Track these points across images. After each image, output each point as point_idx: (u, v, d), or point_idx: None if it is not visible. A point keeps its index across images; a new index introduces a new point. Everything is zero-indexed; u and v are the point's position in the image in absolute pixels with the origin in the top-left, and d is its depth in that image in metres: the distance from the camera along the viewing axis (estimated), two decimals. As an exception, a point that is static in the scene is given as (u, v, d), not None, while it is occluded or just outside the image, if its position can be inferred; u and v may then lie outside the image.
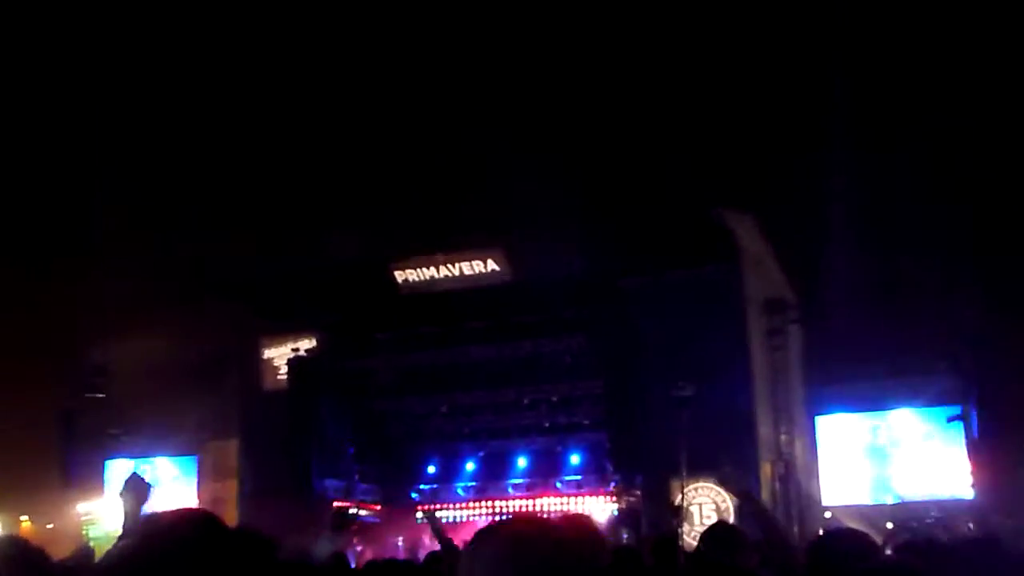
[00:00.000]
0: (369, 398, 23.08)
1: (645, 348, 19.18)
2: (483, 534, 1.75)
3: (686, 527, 16.99)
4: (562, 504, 22.52)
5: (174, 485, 24.47)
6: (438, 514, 11.62)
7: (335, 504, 21.06)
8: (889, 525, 18.20)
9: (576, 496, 22.28)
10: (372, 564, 5.41)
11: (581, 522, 4.08)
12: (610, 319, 19.79)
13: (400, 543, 21.57)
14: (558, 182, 19.95)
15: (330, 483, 22.16)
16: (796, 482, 20.08)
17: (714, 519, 18.29)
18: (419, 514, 22.25)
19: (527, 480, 23.41)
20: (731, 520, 18.06)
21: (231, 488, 23.36)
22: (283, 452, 21.52)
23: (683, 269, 19.20)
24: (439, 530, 7.00)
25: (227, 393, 23.49)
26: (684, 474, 8.60)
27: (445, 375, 22.06)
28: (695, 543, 5.20)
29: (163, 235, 23.57)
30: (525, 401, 22.67)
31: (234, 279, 22.27)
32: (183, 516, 2.04)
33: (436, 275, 21.49)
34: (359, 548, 21.23)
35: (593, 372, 20.64)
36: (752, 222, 19.84)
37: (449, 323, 21.22)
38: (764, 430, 19.44)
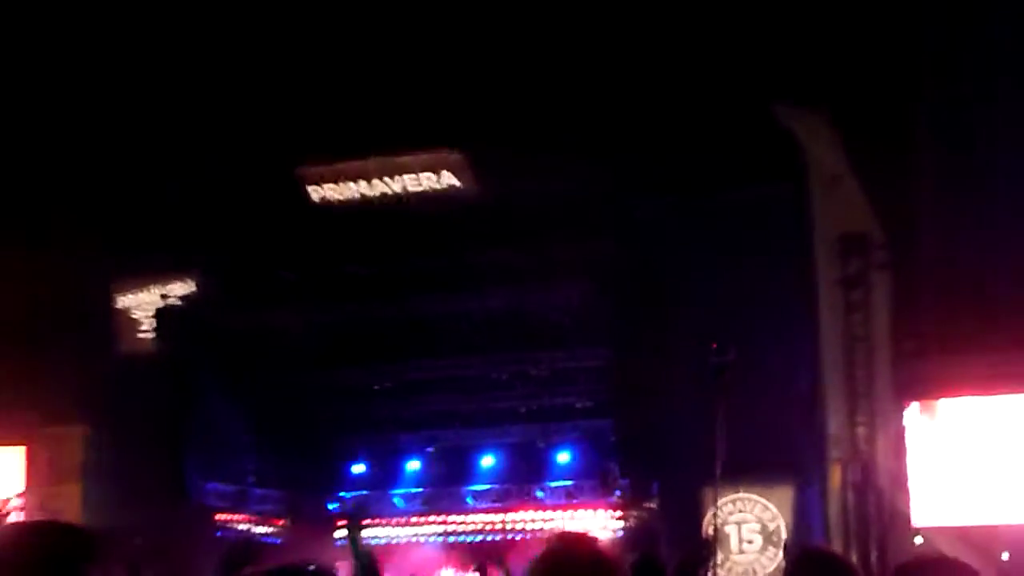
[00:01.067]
0: (271, 368, 23.06)
1: (669, 301, 19.14)
2: None
3: (719, 555, 17.10)
4: (544, 521, 22.67)
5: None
6: (368, 532, 11.54)
7: (232, 537, 21.03)
8: (1005, 556, 18.33)
9: (565, 509, 22.42)
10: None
11: (584, 546, 4.06)
12: (621, 260, 19.73)
13: None
14: (548, 58, 19.53)
15: (214, 488, 22.20)
16: (877, 492, 20.20)
17: (758, 544, 18.40)
18: (339, 531, 22.26)
19: (496, 487, 23.56)
20: (781, 540, 18.21)
21: (72, 494, 23.37)
22: (146, 444, 21.42)
23: (726, 190, 19.06)
24: (364, 555, 6.95)
25: (67, 361, 23.35)
26: (718, 480, 8.48)
27: (381, 336, 22.07)
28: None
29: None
30: (496, 376, 22.70)
31: (74, 197, 21.93)
32: (26, 532, 2.65)
33: (368, 191, 21.30)
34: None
35: (594, 335, 20.67)
36: (828, 124, 19.69)
37: (387, 261, 21.21)
38: (834, 419, 19.50)
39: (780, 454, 17.77)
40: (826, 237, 19.98)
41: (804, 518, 18.66)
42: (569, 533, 4.06)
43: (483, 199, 20.63)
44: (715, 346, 8.24)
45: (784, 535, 18.39)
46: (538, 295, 21.20)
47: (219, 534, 22.46)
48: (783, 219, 19.11)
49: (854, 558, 19.26)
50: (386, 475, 24.25)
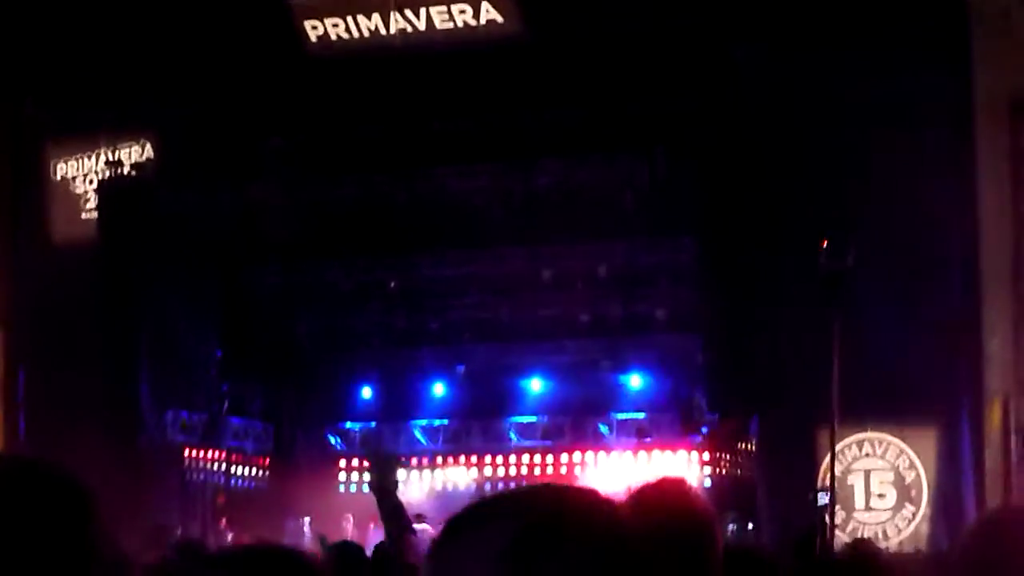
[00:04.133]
0: (250, 262, 23.42)
1: (776, 178, 19.25)
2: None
3: (840, 513, 17.42)
4: (611, 466, 23.00)
5: None
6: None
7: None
8: None
9: (635, 451, 22.72)
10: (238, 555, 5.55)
11: (679, 495, 4.22)
12: (712, 123, 19.81)
13: (305, 527, 22.18)
14: None
15: (176, 417, 22.53)
16: (1050, 435, 20.41)
17: (891, 499, 18.70)
18: (343, 474, 22.65)
19: (545, 419, 23.82)
20: (923, 495, 18.47)
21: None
22: (87, 360, 21.86)
23: (854, 32, 19.08)
24: (392, 505, 7.21)
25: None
26: (836, 417, 8.81)
27: (394, 221, 22.27)
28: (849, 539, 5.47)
29: None
30: (546, 274, 22.85)
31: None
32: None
33: (382, 30, 21.37)
34: (227, 533, 21.77)
35: (678, 223, 20.84)
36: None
37: (404, 122, 21.27)
38: (994, 339, 19.65)
39: (920, 384, 17.90)
40: (992, 97, 19.95)
41: (952, 467, 18.80)
42: (660, 481, 4.14)
43: (529, 39, 20.64)
44: (825, 245, 8.37)
45: (925, 489, 18.60)
46: (599, 168, 21.25)
47: (188, 476, 22.75)
48: (933, 72, 19.02)
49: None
50: (402, 402, 24.41)
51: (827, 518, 9.52)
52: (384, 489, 7.77)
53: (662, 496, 4.05)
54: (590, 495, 1.91)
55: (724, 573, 4.00)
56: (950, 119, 19.19)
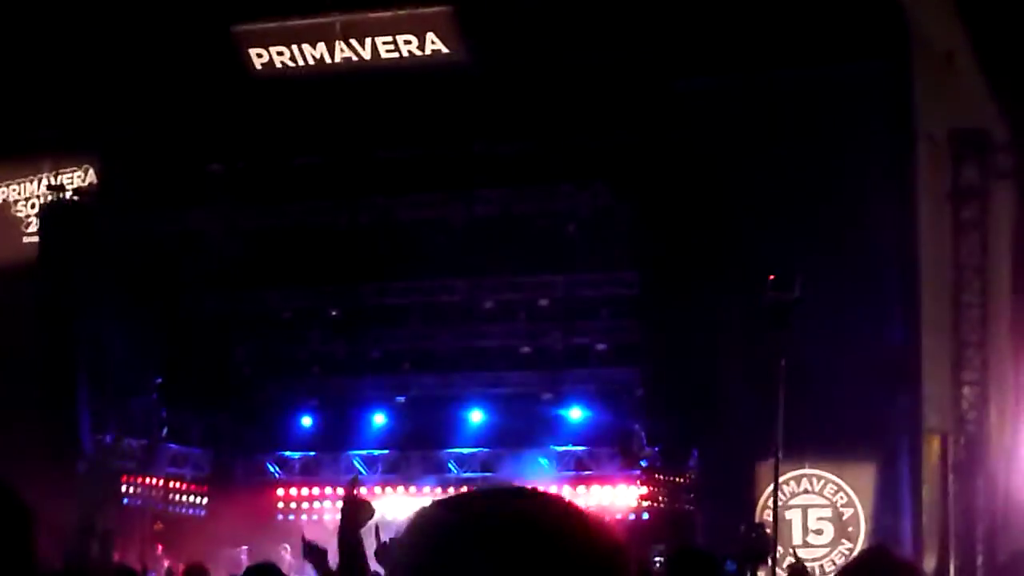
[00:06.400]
0: (189, 288, 23.09)
1: (719, 212, 19.18)
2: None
3: (779, 547, 17.31)
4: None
5: None
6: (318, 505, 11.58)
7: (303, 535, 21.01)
8: None
9: (575, 485, 22.59)
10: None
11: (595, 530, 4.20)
12: (655, 155, 19.71)
13: (243, 555, 21.92)
14: None
15: (114, 442, 22.32)
16: (987, 473, 20.39)
17: (828, 535, 18.61)
18: (281, 503, 22.35)
19: (485, 450, 23.65)
20: (860, 532, 18.39)
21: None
22: (26, 383, 21.59)
23: (800, 66, 19.03)
24: (353, 555, 7.06)
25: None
26: (779, 451, 8.66)
27: (334, 249, 22.12)
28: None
29: None
30: (488, 304, 22.76)
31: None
32: None
33: (326, 56, 21.29)
34: (164, 562, 21.52)
35: (620, 253, 20.70)
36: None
37: (346, 151, 21.20)
38: (932, 377, 19.63)
39: (859, 420, 17.88)
40: (932, 134, 19.95)
41: (890, 504, 18.78)
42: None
43: (473, 65, 20.57)
44: (772, 278, 8.24)
45: (863, 525, 18.56)
46: (543, 197, 21.13)
47: (125, 502, 22.58)
48: (875, 108, 19.01)
49: (952, 558, 19.52)
50: (341, 431, 24.28)
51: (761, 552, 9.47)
52: (350, 541, 7.57)
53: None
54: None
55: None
56: (892, 157, 19.22)
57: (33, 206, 23.41)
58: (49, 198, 22.98)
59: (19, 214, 23.63)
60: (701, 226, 19.24)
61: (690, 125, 19.54)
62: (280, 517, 24.24)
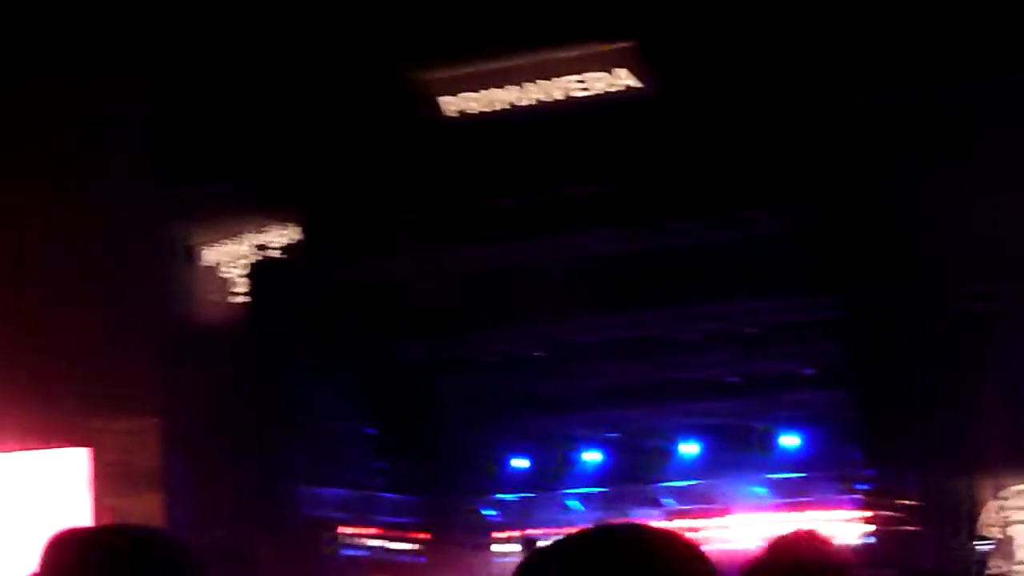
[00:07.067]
0: (394, 336, 23.41)
1: (918, 228, 18.89)
2: None
3: (1001, 564, 16.88)
4: (766, 526, 22.57)
5: (38, 502, 24.67)
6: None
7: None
8: None
9: (791, 511, 22.34)
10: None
11: (810, 544, 4.46)
12: (847, 176, 19.76)
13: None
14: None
15: (330, 494, 22.57)
16: None
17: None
18: (498, 546, 22.49)
19: (700, 482, 23.51)
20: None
21: (150, 506, 23.83)
22: (240, 441, 21.87)
23: (993, 73, 18.76)
24: None
25: (135, 335, 23.76)
26: (1000, 468, 8.44)
27: (539, 289, 22.19)
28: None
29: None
30: (689, 334, 22.65)
31: (125, 117, 22.20)
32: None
33: (519, 99, 21.41)
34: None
35: (825, 277, 20.56)
36: None
37: (539, 190, 21.27)
38: None
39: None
40: None
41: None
42: (793, 534, 4.43)
43: (664, 99, 20.57)
44: (977, 289, 8.04)
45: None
46: (743, 223, 21.07)
47: (343, 552, 22.80)
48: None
49: None
50: (553, 471, 24.34)
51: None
52: None
53: (794, 546, 4.38)
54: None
55: None
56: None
57: (238, 266, 23.70)
58: (254, 257, 23.29)
59: (224, 275, 23.92)
60: (892, 242, 19.15)
61: (874, 141, 19.40)
62: (496, 560, 24.36)
